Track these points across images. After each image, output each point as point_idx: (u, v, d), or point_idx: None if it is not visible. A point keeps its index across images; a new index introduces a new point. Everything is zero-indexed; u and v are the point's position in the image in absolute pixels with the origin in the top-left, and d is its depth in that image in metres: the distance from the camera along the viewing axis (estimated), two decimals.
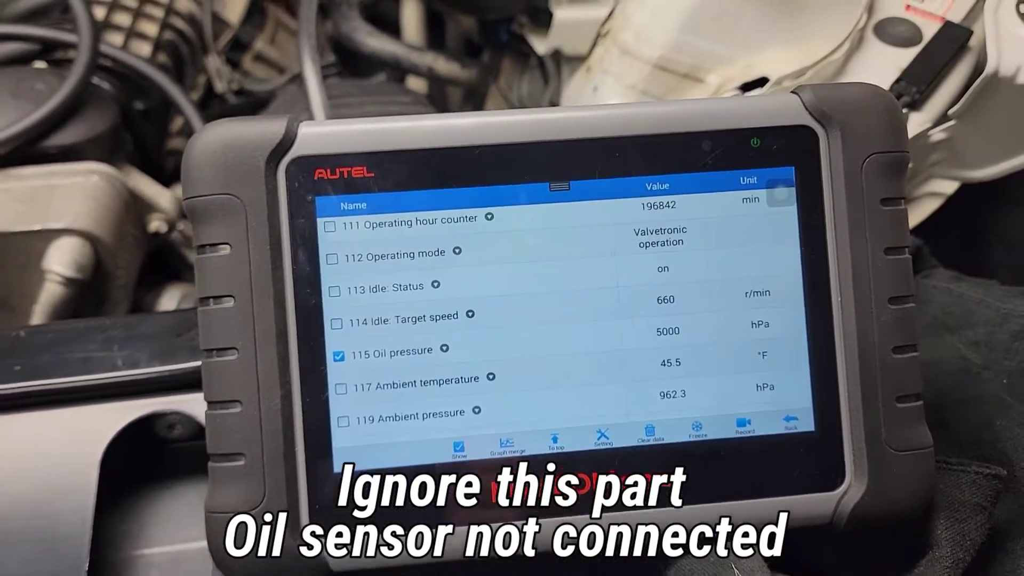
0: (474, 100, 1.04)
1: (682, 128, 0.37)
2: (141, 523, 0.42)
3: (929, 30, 0.67)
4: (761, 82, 0.74)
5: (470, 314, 0.36)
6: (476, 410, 0.36)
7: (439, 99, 1.08)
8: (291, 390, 0.35)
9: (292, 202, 0.36)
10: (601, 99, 0.83)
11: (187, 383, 0.42)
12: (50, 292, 0.57)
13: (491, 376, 0.36)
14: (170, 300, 0.66)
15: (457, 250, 0.36)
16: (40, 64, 0.73)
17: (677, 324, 0.37)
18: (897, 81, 0.63)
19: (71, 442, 0.40)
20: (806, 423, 0.37)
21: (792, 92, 0.38)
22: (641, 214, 0.37)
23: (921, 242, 0.61)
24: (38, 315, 0.58)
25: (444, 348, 0.36)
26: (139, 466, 0.44)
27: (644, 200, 0.37)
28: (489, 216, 0.36)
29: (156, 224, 0.66)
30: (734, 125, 0.37)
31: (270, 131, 0.35)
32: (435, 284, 0.36)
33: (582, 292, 0.37)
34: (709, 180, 0.37)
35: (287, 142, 0.36)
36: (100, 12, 0.81)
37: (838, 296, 0.37)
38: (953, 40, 0.65)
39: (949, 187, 0.67)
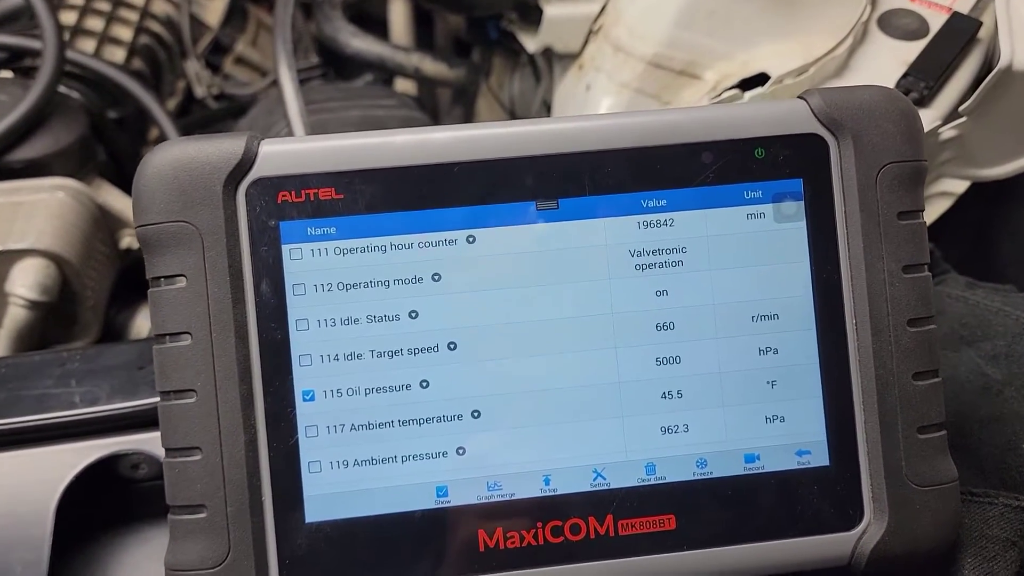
0: (464, 100, 1.01)
1: (680, 139, 0.34)
2: (104, 572, 0.39)
3: (936, 22, 0.64)
4: (760, 78, 0.71)
5: (451, 346, 0.33)
6: (460, 451, 0.33)
7: (428, 100, 1.05)
8: (256, 435, 0.32)
9: (253, 228, 0.32)
10: (594, 98, 0.80)
11: (150, 420, 0.39)
12: (14, 316, 0.54)
13: (476, 414, 0.33)
14: (144, 319, 0.63)
15: (436, 277, 0.33)
16: (6, 73, 0.69)
17: (678, 353, 0.34)
18: (904, 76, 0.60)
19: (25, 487, 0.37)
20: (820, 457, 0.34)
21: (799, 97, 0.35)
22: (637, 233, 0.34)
23: (932, 246, 0.58)
24: (3, 339, 0.55)
25: (424, 384, 0.33)
26: (102, 507, 0.41)
27: (640, 218, 0.34)
28: (471, 239, 0.33)
29: (128, 240, 0.62)
30: (736, 135, 0.34)
31: (227, 150, 0.32)
32: (413, 314, 0.33)
33: (574, 320, 0.34)
34: (710, 195, 0.34)
35: (247, 162, 0.32)
36: (71, 17, 0.78)
37: (853, 319, 0.34)
38: (962, 32, 0.62)
39: (959, 186, 0.64)
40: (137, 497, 0.41)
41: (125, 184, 0.69)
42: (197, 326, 0.32)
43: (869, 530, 0.34)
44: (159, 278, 0.32)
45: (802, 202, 0.34)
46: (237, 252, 0.32)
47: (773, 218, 0.34)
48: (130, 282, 0.65)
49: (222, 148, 0.32)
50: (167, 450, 0.32)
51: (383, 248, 0.33)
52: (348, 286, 0.33)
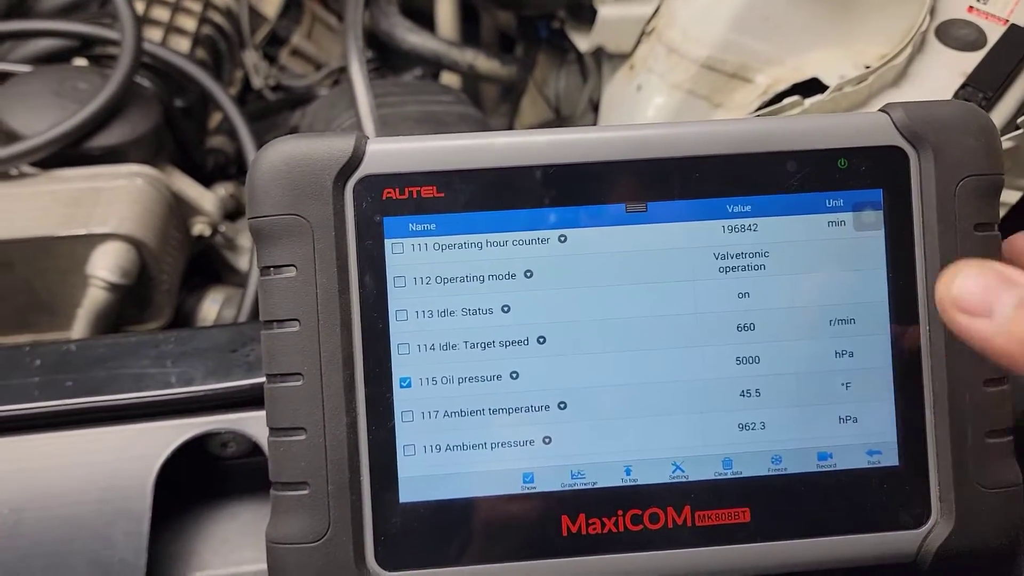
0: (511, 97, 1.02)
1: (766, 148, 0.35)
2: (195, 545, 0.41)
3: (994, 33, 0.64)
4: (812, 83, 0.72)
5: (541, 340, 0.35)
6: (546, 440, 0.35)
7: (473, 93, 1.06)
8: (357, 417, 0.34)
9: (360, 223, 0.34)
10: (645, 98, 0.81)
11: (241, 401, 0.41)
12: (94, 297, 0.56)
13: (562, 405, 0.35)
14: (212, 304, 0.65)
15: (528, 274, 0.35)
16: (80, 61, 0.72)
17: (757, 353, 0.35)
18: (962, 87, 0.60)
19: (125, 462, 0.39)
20: (890, 457, 0.36)
21: (881, 110, 0.36)
22: (721, 237, 0.35)
23: None
24: (81, 320, 0.57)
25: (514, 375, 0.35)
26: (191, 484, 0.43)
27: (725, 223, 0.35)
28: (562, 238, 0.35)
29: (199, 227, 0.65)
30: (821, 145, 0.35)
31: (338, 149, 0.34)
32: (505, 309, 0.35)
33: (659, 318, 0.35)
34: (793, 202, 0.35)
35: (355, 160, 0.34)
36: (139, 7, 0.80)
37: (927, 326, 0.35)
38: (1019, 44, 0.63)
39: (1013, 196, 0.65)
40: (226, 474, 0.43)
41: (191, 172, 0.71)
42: (305, 314, 0.34)
43: (936, 529, 0.35)
44: (270, 267, 0.34)
45: (882, 211, 0.35)
46: (344, 245, 0.34)
47: (853, 226, 0.36)
48: (198, 268, 0.68)
49: (333, 146, 0.34)
50: (272, 429, 0.34)
51: (479, 245, 0.35)
52: (445, 280, 0.35)
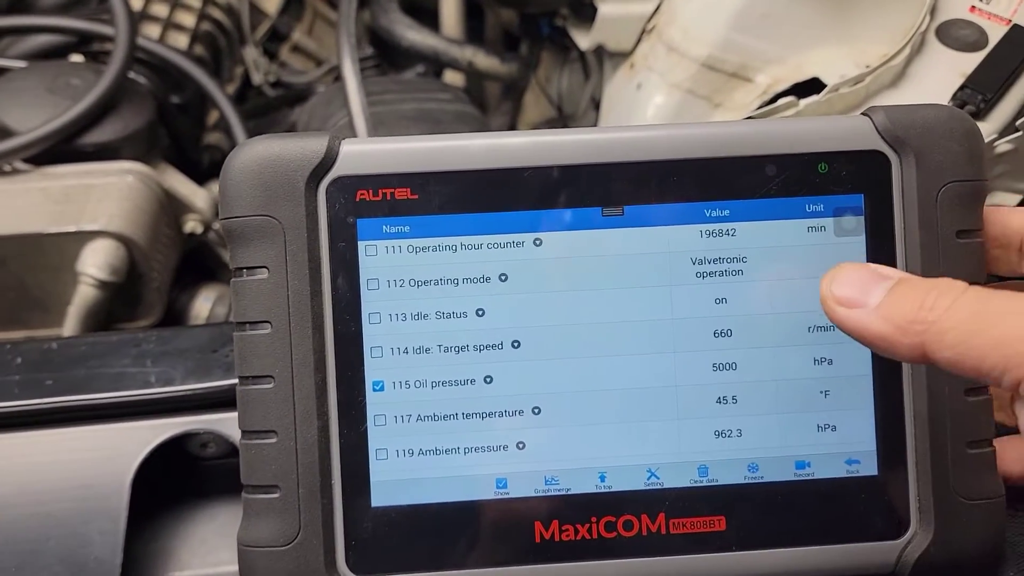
0: (513, 94, 1.02)
1: (745, 151, 0.35)
2: (172, 544, 0.41)
3: (995, 33, 0.63)
4: (812, 83, 0.71)
5: (516, 344, 0.35)
6: (520, 445, 0.35)
7: (476, 92, 1.06)
8: (328, 421, 0.34)
9: (332, 224, 0.34)
10: (644, 97, 0.80)
11: (221, 401, 0.41)
12: (83, 294, 0.56)
13: (536, 410, 0.35)
14: (205, 301, 0.65)
15: (503, 277, 0.35)
16: (77, 57, 0.72)
17: (734, 359, 0.35)
18: (961, 88, 0.60)
19: (102, 461, 0.39)
20: (869, 467, 0.35)
21: (863, 114, 0.36)
22: (699, 242, 0.35)
23: None
24: (72, 317, 0.57)
25: (488, 380, 0.35)
26: (170, 483, 0.43)
27: (702, 227, 0.35)
28: (537, 242, 0.35)
29: (191, 224, 0.65)
30: (800, 149, 0.35)
31: (311, 149, 0.34)
32: (479, 312, 0.35)
33: (635, 324, 0.35)
34: (772, 207, 0.35)
35: (328, 161, 0.34)
36: (137, 3, 0.80)
37: None
38: (1021, 45, 0.62)
39: (1012, 200, 0.64)
40: (204, 474, 0.43)
41: (187, 168, 0.71)
42: (277, 316, 0.33)
43: (914, 540, 0.35)
44: (242, 268, 0.34)
45: (862, 217, 0.35)
46: (316, 247, 0.34)
47: (833, 232, 0.35)
48: (190, 265, 0.68)
49: (306, 147, 0.34)
50: (244, 432, 0.34)
51: (453, 248, 0.34)
52: (419, 283, 0.34)
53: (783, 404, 0.35)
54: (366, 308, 0.34)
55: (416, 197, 0.34)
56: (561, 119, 1.01)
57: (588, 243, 0.35)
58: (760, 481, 0.35)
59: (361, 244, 0.34)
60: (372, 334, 0.34)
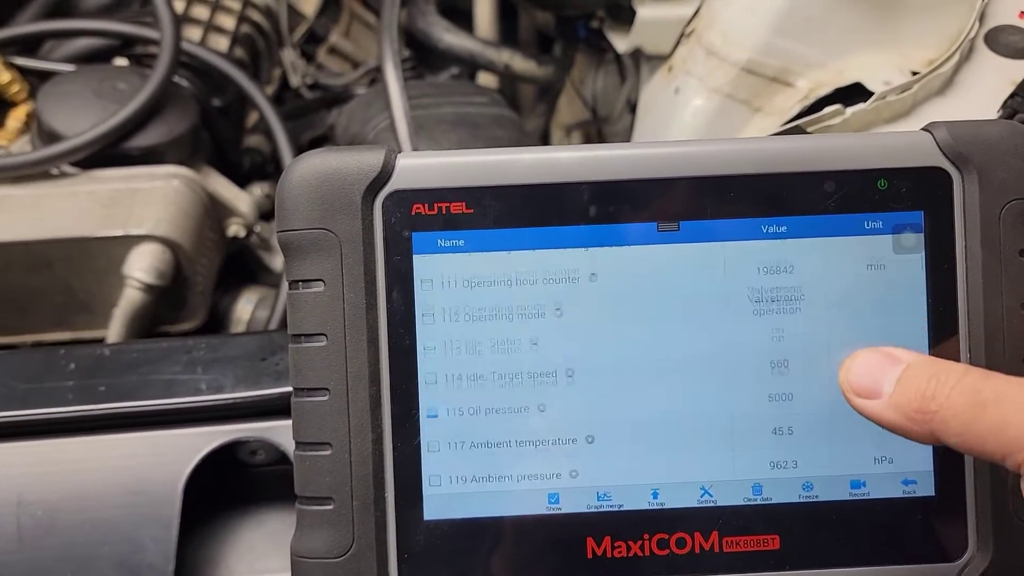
0: (548, 96, 1.02)
1: (803, 167, 0.34)
2: (222, 551, 0.42)
3: None
4: (854, 88, 0.70)
5: (569, 373, 0.34)
6: (573, 474, 0.35)
7: (510, 93, 1.06)
8: (382, 434, 0.34)
9: (388, 238, 0.34)
10: (683, 101, 0.80)
11: (270, 409, 0.41)
12: (129, 297, 0.57)
13: (590, 439, 0.35)
14: (247, 304, 0.65)
15: (558, 311, 0.34)
16: (121, 60, 0.72)
17: (791, 389, 0.34)
18: (1012, 96, 0.59)
19: (155, 467, 0.40)
20: (926, 487, 0.35)
21: (924, 129, 0.35)
22: (756, 260, 0.34)
23: None
24: (117, 319, 0.58)
25: (542, 408, 0.34)
26: (220, 490, 0.43)
27: (759, 244, 0.34)
28: (592, 269, 0.34)
29: (234, 228, 0.65)
30: (860, 165, 0.34)
31: (368, 163, 0.34)
32: (534, 342, 0.34)
33: (690, 353, 0.34)
34: (831, 224, 0.34)
35: (385, 175, 0.34)
36: (179, 5, 0.81)
37: (967, 354, 0.34)
38: None
39: None
40: (253, 481, 0.43)
41: (227, 171, 0.71)
42: (332, 328, 0.34)
43: (972, 563, 0.34)
44: (298, 281, 0.34)
45: (922, 234, 0.34)
46: (372, 260, 0.34)
47: (892, 249, 0.35)
48: (232, 268, 0.68)
49: (363, 160, 0.34)
50: (298, 443, 0.34)
51: (508, 282, 0.34)
52: (474, 312, 0.34)
53: (840, 430, 0.35)
54: (420, 321, 0.34)
55: (471, 211, 0.34)
56: (595, 121, 1.01)
57: (643, 259, 0.34)
58: (815, 500, 0.35)
59: (416, 258, 0.34)
60: (426, 359, 0.34)
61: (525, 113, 1.06)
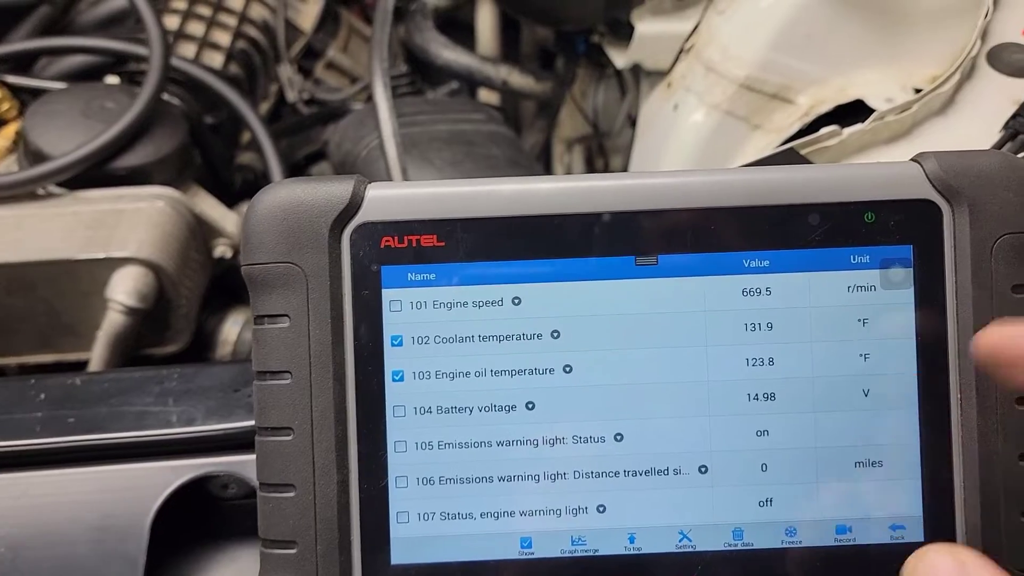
0: (548, 112, 1.01)
1: (787, 200, 0.33)
2: None
3: None
4: (856, 105, 0.69)
5: (532, 406, 0.33)
6: (548, 511, 0.33)
7: (512, 110, 1.05)
8: (348, 475, 0.33)
9: (356, 272, 0.33)
10: (682, 118, 0.79)
11: (243, 443, 0.40)
12: (112, 320, 0.56)
13: (564, 475, 0.33)
14: (233, 325, 0.65)
15: (535, 335, 0.33)
16: (113, 78, 0.72)
17: (774, 424, 0.33)
18: (1014, 116, 0.57)
19: (122, 502, 0.39)
20: (915, 533, 0.33)
21: (913, 160, 0.34)
22: (737, 294, 0.33)
23: None
24: (100, 342, 0.57)
25: (514, 443, 0.33)
26: (191, 524, 0.42)
27: (741, 278, 0.33)
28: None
29: (221, 249, 0.64)
30: (846, 197, 0.33)
31: (335, 195, 0.33)
32: (507, 373, 0.33)
33: (668, 385, 0.33)
34: (816, 258, 0.33)
35: (353, 207, 0.33)
36: (174, 21, 0.81)
37: (958, 394, 0.33)
38: None
39: None
40: (225, 516, 0.42)
41: (219, 189, 0.71)
42: (297, 366, 0.32)
43: None
44: (263, 316, 0.33)
45: (911, 269, 0.33)
46: (339, 295, 0.33)
47: (880, 284, 0.33)
48: (220, 288, 0.67)
49: (331, 192, 0.33)
50: (262, 484, 0.33)
51: (478, 304, 0.33)
52: (445, 340, 0.33)
53: (824, 470, 0.33)
54: (389, 358, 0.33)
55: (443, 244, 0.33)
56: (596, 136, 1.00)
57: (621, 293, 0.33)
58: (798, 546, 0.33)
59: (385, 292, 0.33)
60: (394, 391, 0.33)
61: (526, 128, 1.05)
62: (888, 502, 0.33)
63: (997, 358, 0.29)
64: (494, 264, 0.33)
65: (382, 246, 0.33)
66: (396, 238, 0.33)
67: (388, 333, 0.33)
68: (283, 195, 0.33)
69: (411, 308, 0.33)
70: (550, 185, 0.33)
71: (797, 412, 0.33)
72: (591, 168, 1.01)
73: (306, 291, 0.33)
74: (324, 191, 0.33)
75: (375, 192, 0.33)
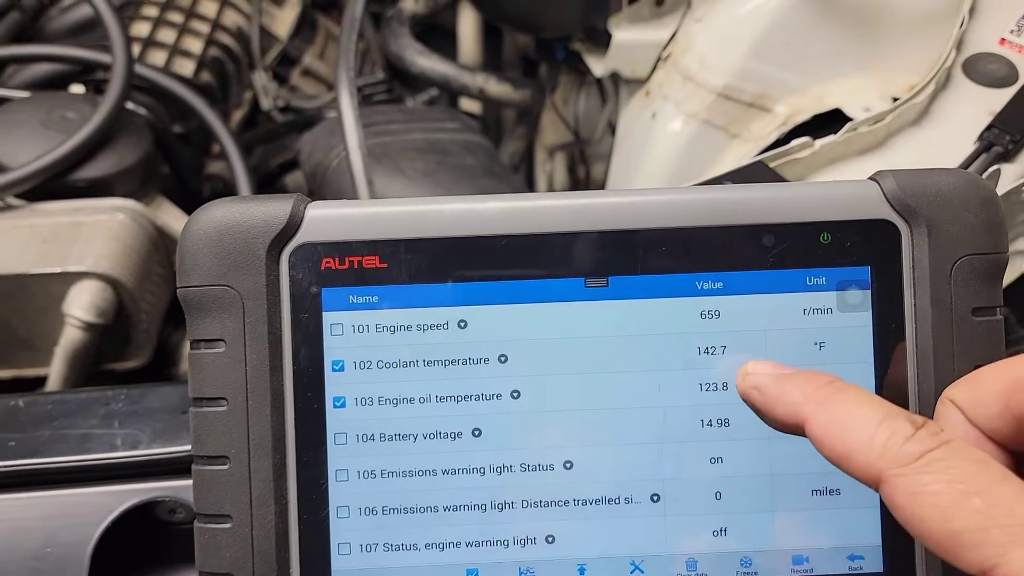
0: (528, 120, 1.00)
1: (740, 220, 0.32)
2: None
3: None
4: (834, 114, 0.68)
5: (477, 433, 0.32)
6: (494, 542, 0.32)
7: (493, 117, 1.04)
8: (287, 505, 0.32)
9: (295, 295, 0.32)
10: (659, 127, 0.78)
11: (190, 467, 0.39)
12: (69, 336, 0.55)
13: (511, 504, 0.32)
14: None
15: (481, 359, 0.32)
16: (78, 87, 0.71)
17: (729, 452, 0.32)
18: (988, 127, 0.56)
19: (63, 529, 0.38)
20: (874, 563, 0.32)
21: (871, 179, 0.33)
22: (689, 317, 0.32)
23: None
24: (58, 358, 0.55)
25: (459, 472, 0.32)
26: (137, 550, 0.41)
27: (693, 301, 0.32)
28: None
29: None
30: (801, 218, 0.32)
31: (273, 215, 0.32)
32: (452, 399, 0.32)
33: (619, 411, 0.32)
34: (770, 280, 0.32)
35: (292, 227, 0.32)
36: (144, 28, 0.80)
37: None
38: None
39: None
40: (174, 541, 0.41)
41: (187, 199, 0.69)
42: (233, 392, 0.31)
43: None
44: (199, 341, 0.32)
45: (869, 291, 0.32)
46: (277, 319, 0.32)
47: (836, 307, 0.32)
48: None
49: (268, 211, 0.32)
50: (198, 514, 0.32)
51: (423, 328, 0.32)
52: (388, 364, 0.32)
53: (780, 498, 0.32)
54: (330, 384, 0.32)
55: (385, 266, 0.32)
56: (578, 143, 0.99)
57: (570, 316, 0.32)
58: None
59: (326, 316, 0.32)
60: (336, 417, 0.32)
61: (507, 136, 1.04)
62: (846, 532, 0.32)
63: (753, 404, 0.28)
64: (439, 286, 0.32)
65: (322, 268, 0.32)
66: (337, 259, 0.32)
67: (329, 358, 0.32)
68: (219, 215, 0.32)
69: (353, 332, 0.32)
70: (496, 205, 0.32)
71: (752, 439, 0.32)
72: (573, 175, 1.00)
73: (243, 315, 0.31)
74: (261, 211, 0.32)
75: (315, 212, 0.32)
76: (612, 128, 0.91)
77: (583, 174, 1.01)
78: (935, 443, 0.24)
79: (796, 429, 0.27)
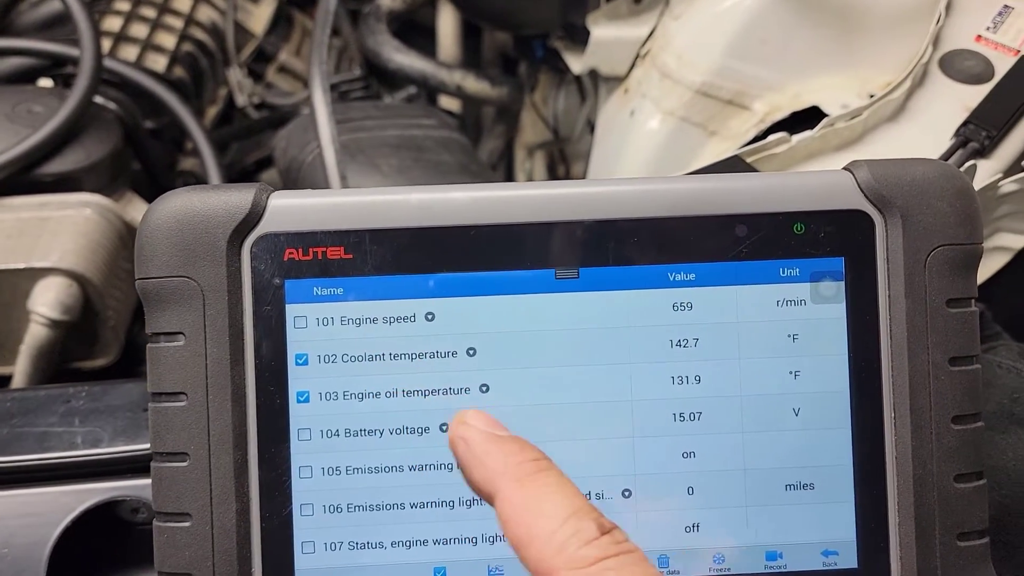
0: (507, 117, 0.99)
1: (712, 210, 0.31)
2: None
3: (1002, 65, 0.60)
4: (812, 112, 0.68)
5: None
6: (463, 540, 0.31)
7: (472, 115, 1.03)
8: (248, 503, 0.31)
9: (257, 286, 0.31)
10: (638, 124, 0.77)
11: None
12: (34, 333, 0.54)
13: (480, 502, 0.31)
14: None
15: (449, 353, 0.31)
16: (46, 81, 0.69)
17: (701, 446, 0.32)
18: (965, 123, 0.56)
19: (20, 530, 0.36)
20: (848, 559, 0.32)
21: (845, 169, 0.32)
22: (661, 309, 0.32)
23: (983, 306, 0.55)
24: (23, 356, 0.54)
25: (427, 467, 0.31)
26: (100, 550, 0.40)
27: (665, 292, 0.32)
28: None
29: None
30: (774, 208, 0.32)
31: (234, 204, 0.31)
32: (419, 392, 0.31)
33: (589, 405, 0.31)
34: (743, 271, 0.32)
35: (254, 216, 0.31)
36: (116, 23, 0.78)
37: (891, 413, 0.31)
38: None
39: (1018, 242, 0.60)
40: (137, 541, 0.40)
41: (158, 195, 0.68)
42: (193, 387, 0.30)
43: None
44: (158, 334, 0.31)
45: (843, 283, 0.32)
46: (239, 311, 0.31)
47: (810, 298, 0.32)
48: None
49: (229, 201, 0.31)
50: (157, 513, 0.31)
51: (389, 320, 0.31)
52: (353, 358, 0.31)
53: (753, 493, 0.32)
54: (292, 377, 0.31)
55: (350, 257, 0.31)
56: (557, 142, 0.99)
57: (540, 308, 0.32)
58: (727, 573, 0.32)
59: (289, 308, 0.31)
60: (299, 413, 0.31)
61: (486, 134, 1.04)
62: (820, 526, 0.32)
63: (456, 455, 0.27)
64: (405, 278, 0.31)
65: (285, 259, 0.31)
66: (300, 250, 0.31)
67: (292, 351, 0.31)
68: (178, 205, 0.31)
69: (317, 324, 0.31)
70: (464, 194, 0.32)
71: (725, 432, 0.32)
72: (552, 174, 1.00)
73: (203, 307, 0.31)
74: (222, 200, 0.31)
75: (278, 201, 0.31)
76: (591, 126, 0.91)
77: (563, 172, 1.01)
78: (613, 551, 0.23)
79: (487, 498, 0.26)
